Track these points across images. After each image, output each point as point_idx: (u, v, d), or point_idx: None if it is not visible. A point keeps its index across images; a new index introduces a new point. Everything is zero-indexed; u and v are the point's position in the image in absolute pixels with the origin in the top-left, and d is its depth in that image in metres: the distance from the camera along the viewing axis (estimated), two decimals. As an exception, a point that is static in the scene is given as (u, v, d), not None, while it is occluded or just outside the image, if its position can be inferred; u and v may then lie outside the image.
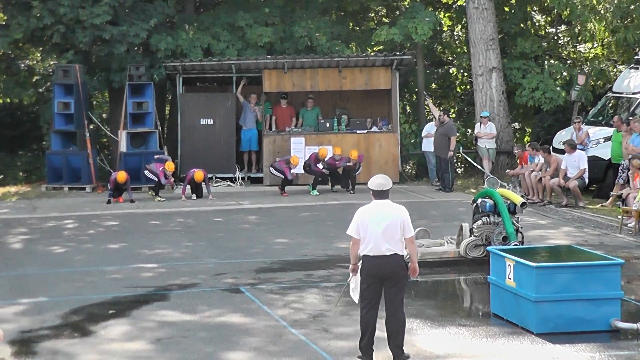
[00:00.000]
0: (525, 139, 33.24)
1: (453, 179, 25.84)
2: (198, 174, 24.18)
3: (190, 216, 21.84)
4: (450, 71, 34.73)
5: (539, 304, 11.84)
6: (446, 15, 33.90)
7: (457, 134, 27.30)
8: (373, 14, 34.75)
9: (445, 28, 33.88)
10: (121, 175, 23.74)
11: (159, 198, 24.18)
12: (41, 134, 29.58)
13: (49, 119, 28.09)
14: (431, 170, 27.05)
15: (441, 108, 28.83)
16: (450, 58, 34.43)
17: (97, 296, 14.32)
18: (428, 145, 26.51)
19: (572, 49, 32.72)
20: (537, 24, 33.20)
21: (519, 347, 11.53)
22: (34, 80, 33.09)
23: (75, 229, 20.54)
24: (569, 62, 32.22)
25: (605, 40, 29.60)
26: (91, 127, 27.13)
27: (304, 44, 28.86)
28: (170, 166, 24.53)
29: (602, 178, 23.85)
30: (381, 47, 30.77)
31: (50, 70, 31.86)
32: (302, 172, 25.61)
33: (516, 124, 33.36)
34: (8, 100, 31.75)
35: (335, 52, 28.13)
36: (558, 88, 28.99)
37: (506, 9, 31.75)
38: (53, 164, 26.44)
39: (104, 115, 34.61)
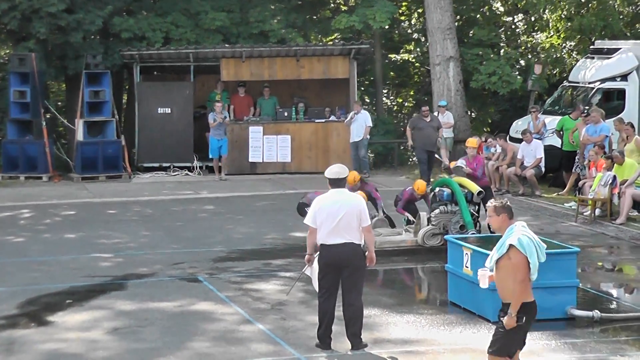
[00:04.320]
0: (483, 128, 33.35)
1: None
2: (421, 185, 17.49)
3: (148, 205, 21.73)
4: (409, 60, 34.75)
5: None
6: (403, 4, 33.92)
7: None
8: (331, 2, 34.64)
9: (403, 17, 33.90)
10: (421, 185, 17.50)
11: None
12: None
13: (4, 107, 27.82)
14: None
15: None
16: (409, 47, 34.47)
17: (54, 286, 14.25)
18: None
19: (529, 38, 32.92)
20: (495, 11, 33.31)
21: (476, 334, 11.62)
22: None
23: (32, 218, 20.38)
24: (525, 50, 32.40)
25: (561, 28, 29.79)
26: (47, 115, 26.87)
27: (259, 29, 28.69)
28: (421, 185, 17.50)
29: (558, 167, 24.03)
30: (339, 35, 30.73)
31: (6, 58, 31.52)
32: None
33: (473, 113, 33.42)
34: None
35: (289, 40, 28.06)
36: (515, 73, 29.15)
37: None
38: (9, 153, 26.20)
39: (60, 104, 34.30)
